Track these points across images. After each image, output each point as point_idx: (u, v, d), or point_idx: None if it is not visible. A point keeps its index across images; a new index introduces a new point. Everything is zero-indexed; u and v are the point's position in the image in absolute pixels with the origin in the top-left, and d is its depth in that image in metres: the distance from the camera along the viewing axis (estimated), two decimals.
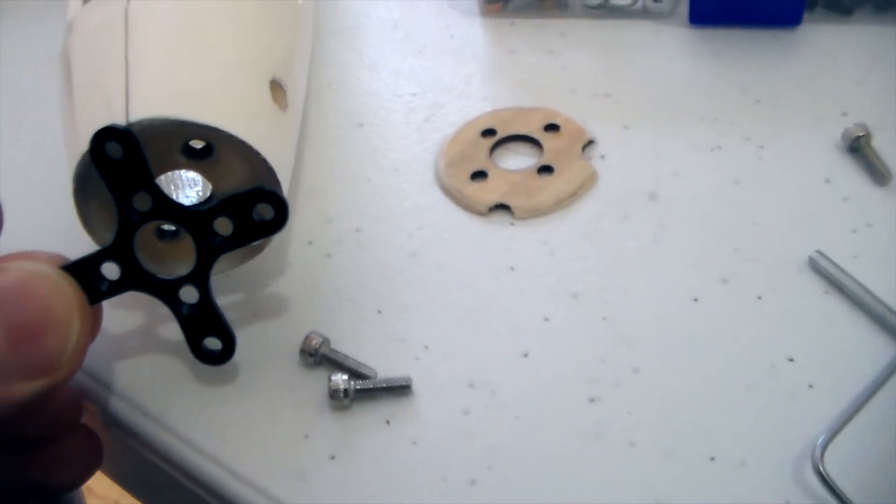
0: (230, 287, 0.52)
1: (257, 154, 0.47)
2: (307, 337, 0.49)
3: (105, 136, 0.43)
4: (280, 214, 0.45)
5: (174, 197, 0.45)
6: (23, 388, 0.40)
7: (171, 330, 0.51)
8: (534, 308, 0.50)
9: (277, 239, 0.51)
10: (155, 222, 0.45)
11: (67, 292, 0.43)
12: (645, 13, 0.66)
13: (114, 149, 0.43)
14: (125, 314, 0.52)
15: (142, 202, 0.45)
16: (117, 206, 0.45)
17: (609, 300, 0.50)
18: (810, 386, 0.46)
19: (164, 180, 0.50)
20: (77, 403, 0.48)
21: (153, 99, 0.46)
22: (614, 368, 0.47)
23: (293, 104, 0.53)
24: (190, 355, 0.47)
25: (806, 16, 0.63)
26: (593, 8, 0.67)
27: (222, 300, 0.47)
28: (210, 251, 0.46)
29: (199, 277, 0.46)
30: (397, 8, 0.71)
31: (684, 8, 0.65)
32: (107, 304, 0.47)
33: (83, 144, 0.45)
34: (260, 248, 0.51)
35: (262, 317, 0.52)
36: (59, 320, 0.42)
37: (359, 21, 0.71)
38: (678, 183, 0.55)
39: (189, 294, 0.46)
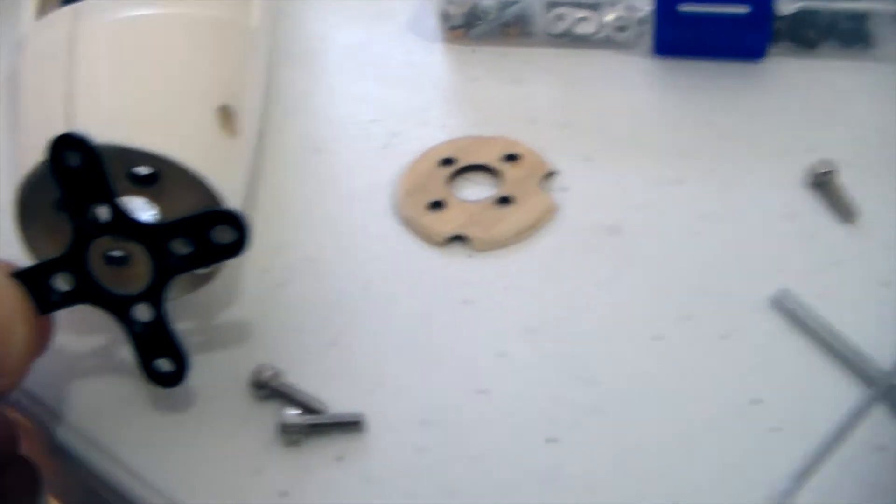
0: (181, 314, 0.50)
1: (203, 180, 0.46)
2: (257, 368, 0.47)
3: (63, 145, 0.42)
4: (241, 238, 0.43)
5: None
6: None
7: (121, 356, 0.50)
8: (490, 343, 0.49)
9: (231, 267, 0.49)
10: (110, 236, 0.44)
11: (11, 297, 0.42)
12: (609, 43, 0.65)
13: (72, 157, 0.42)
14: (75, 339, 0.50)
15: (99, 214, 0.43)
16: (73, 217, 0.44)
17: (568, 337, 0.49)
18: (776, 429, 0.44)
19: None
20: (14, 435, 0.46)
21: (95, 124, 0.44)
22: (572, 408, 0.46)
23: (246, 130, 0.52)
24: (140, 382, 0.46)
25: (771, 49, 0.63)
26: (557, 37, 0.66)
27: None
28: (166, 270, 0.44)
29: (154, 296, 0.45)
30: (359, 33, 0.70)
31: (649, 38, 0.64)
32: (56, 327, 0.46)
33: (24, 168, 0.44)
34: (212, 276, 0.49)
35: (214, 346, 0.50)
36: (1, 324, 0.41)
37: (320, 46, 0.70)
38: (641, 217, 0.54)
39: (142, 312, 0.45)
